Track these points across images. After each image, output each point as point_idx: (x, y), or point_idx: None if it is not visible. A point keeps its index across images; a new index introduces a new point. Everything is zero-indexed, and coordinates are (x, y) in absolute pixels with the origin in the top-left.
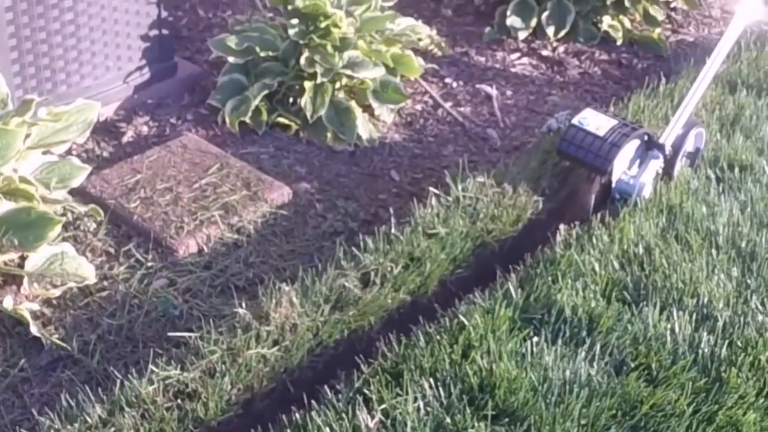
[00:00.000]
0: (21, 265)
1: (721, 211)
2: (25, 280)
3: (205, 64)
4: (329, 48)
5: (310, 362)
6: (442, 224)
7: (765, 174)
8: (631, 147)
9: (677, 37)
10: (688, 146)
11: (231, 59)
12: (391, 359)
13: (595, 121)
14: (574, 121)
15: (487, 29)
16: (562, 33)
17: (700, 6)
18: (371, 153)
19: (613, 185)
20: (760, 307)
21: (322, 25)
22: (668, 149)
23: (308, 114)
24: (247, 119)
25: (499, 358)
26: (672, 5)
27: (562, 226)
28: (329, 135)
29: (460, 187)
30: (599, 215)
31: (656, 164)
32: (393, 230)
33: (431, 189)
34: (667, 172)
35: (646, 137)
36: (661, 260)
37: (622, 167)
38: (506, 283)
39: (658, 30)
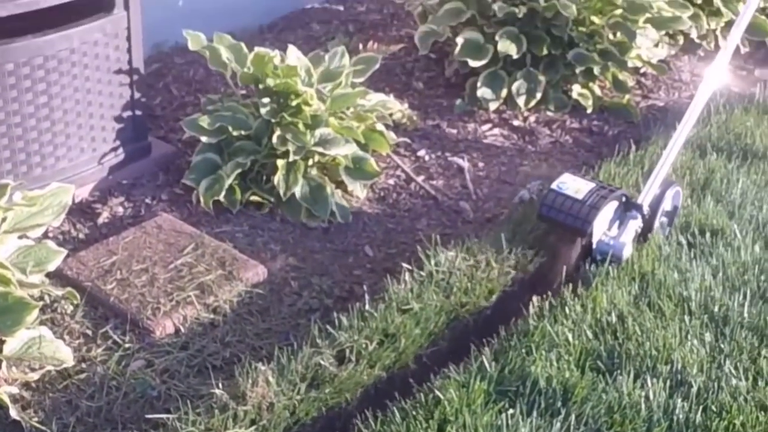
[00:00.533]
0: None
1: (693, 277)
2: (4, 365)
3: (179, 143)
4: (301, 126)
5: None
6: (415, 299)
7: (736, 238)
8: (609, 208)
9: (648, 102)
10: (666, 205)
11: (204, 139)
12: None
13: (573, 185)
14: (553, 185)
15: (458, 101)
16: (533, 102)
17: (669, 71)
18: (345, 229)
19: (594, 246)
20: (733, 371)
21: (293, 103)
22: (646, 209)
23: (281, 192)
24: (221, 198)
25: None
26: (642, 71)
27: (535, 298)
28: (303, 212)
29: (433, 262)
30: (571, 286)
31: (635, 224)
32: (367, 307)
33: (404, 265)
34: (647, 231)
35: (623, 198)
36: (634, 328)
37: (602, 228)
38: (480, 356)
39: (628, 96)
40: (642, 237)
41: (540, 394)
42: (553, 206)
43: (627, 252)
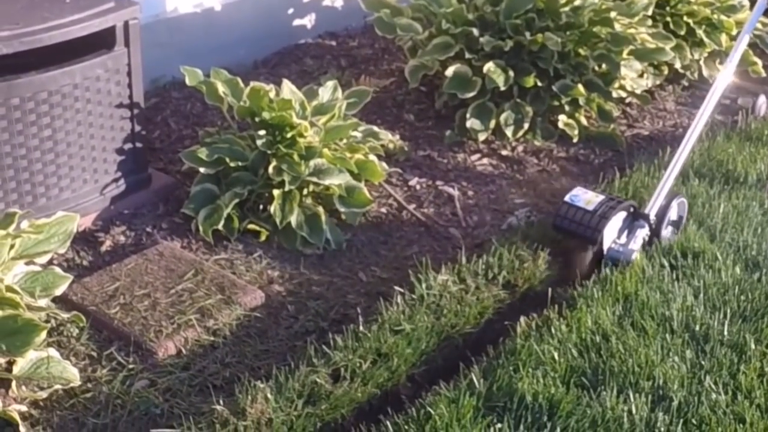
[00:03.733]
0: (9, 370)
1: (675, 297)
2: (14, 384)
3: (178, 174)
4: (296, 157)
5: None
6: (407, 321)
7: (717, 260)
8: (618, 218)
9: (633, 132)
10: (672, 215)
11: (202, 170)
12: None
13: (584, 197)
14: (566, 198)
15: (448, 132)
16: (521, 133)
17: (654, 100)
18: (339, 255)
19: (605, 253)
20: (713, 386)
21: (288, 135)
22: (653, 218)
23: (278, 220)
24: (219, 227)
25: None
26: (626, 101)
27: (522, 319)
28: (299, 239)
29: (424, 286)
30: (556, 307)
31: (643, 233)
32: (361, 328)
33: (397, 288)
34: (654, 239)
35: (631, 209)
36: (617, 346)
37: (611, 237)
38: (470, 373)
39: (613, 125)
40: (650, 244)
41: (527, 409)
42: (566, 217)
43: (635, 258)
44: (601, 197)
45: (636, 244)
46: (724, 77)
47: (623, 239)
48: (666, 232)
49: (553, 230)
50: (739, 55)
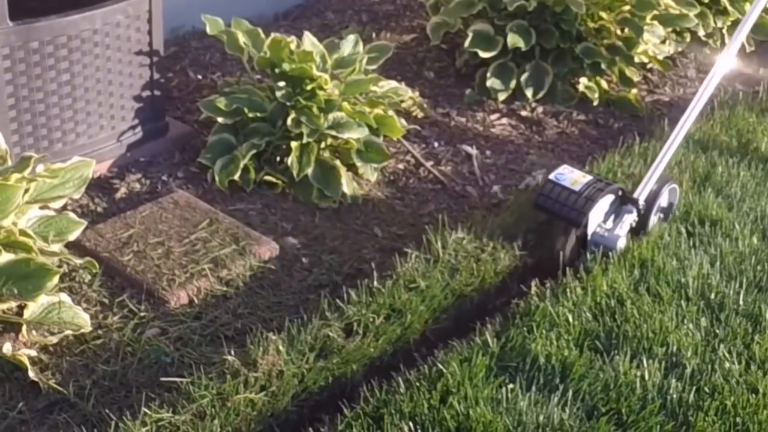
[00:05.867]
0: (20, 314)
1: (691, 265)
2: (24, 328)
3: (196, 124)
4: (315, 109)
5: (296, 406)
6: (422, 278)
7: (735, 228)
8: (605, 201)
9: (653, 97)
10: (662, 201)
11: (220, 120)
12: (372, 404)
13: (570, 177)
14: (551, 176)
15: (468, 91)
16: (541, 94)
17: (675, 67)
18: (355, 210)
19: (589, 238)
20: (727, 355)
21: (308, 87)
22: (641, 204)
23: (294, 173)
24: (235, 177)
25: (476, 403)
26: (648, 66)
27: (537, 280)
28: (315, 193)
29: (439, 243)
30: (573, 270)
31: (630, 218)
32: (375, 283)
33: (412, 244)
34: (641, 226)
35: (620, 192)
36: (632, 311)
37: (597, 220)
38: (483, 333)
39: (634, 90)
40: (636, 231)
41: (539, 371)
42: (549, 196)
43: (621, 244)
44: (589, 178)
45: (622, 230)
46: (739, 35)
47: (609, 224)
48: (655, 218)
49: (534, 209)
50: (759, 10)
